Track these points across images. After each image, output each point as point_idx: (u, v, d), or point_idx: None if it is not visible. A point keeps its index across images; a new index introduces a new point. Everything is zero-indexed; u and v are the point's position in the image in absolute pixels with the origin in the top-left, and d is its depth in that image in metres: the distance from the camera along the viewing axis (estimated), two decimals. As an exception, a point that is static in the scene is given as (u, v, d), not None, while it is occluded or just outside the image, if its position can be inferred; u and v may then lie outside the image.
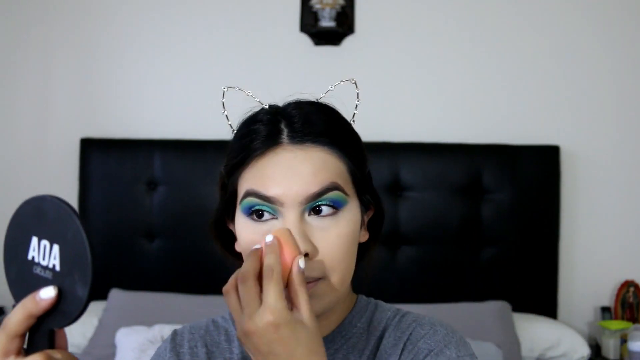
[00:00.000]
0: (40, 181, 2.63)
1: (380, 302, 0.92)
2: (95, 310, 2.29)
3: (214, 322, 0.93)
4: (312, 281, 0.77)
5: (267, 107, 0.84)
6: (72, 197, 2.55)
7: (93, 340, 2.14)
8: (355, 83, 0.88)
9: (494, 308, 2.21)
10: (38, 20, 2.63)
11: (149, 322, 2.09)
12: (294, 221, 0.77)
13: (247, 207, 0.79)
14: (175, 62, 2.61)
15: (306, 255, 0.76)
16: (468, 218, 2.42)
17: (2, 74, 2.65)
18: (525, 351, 2.14)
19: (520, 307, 2.33)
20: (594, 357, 2.30)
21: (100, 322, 2.19)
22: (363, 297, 0.91)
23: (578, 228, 2.52)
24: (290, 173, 0.78)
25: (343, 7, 2.53)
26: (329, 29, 2.53)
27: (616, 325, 2.34)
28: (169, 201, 2.47)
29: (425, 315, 0.90)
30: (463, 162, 2.44)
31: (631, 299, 2.45)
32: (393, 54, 2.56)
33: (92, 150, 2.51)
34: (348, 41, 2.57)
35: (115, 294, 2.26)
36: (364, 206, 0.84)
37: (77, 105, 2.63)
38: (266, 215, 0.79)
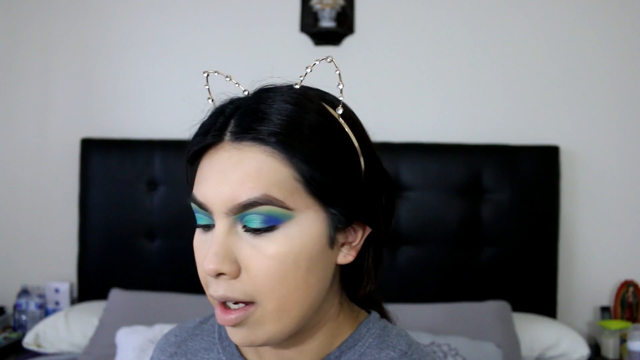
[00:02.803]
0: (40, 181, 2.64)
1: (388, 332, 0.78)
2: (95, 310, 2.30)
3: (201, 324, 0.86)
4: (239, 305, 0.68)
5: (246, 93, 0.74)
6: (72, 197, 2.56)
7: (93, 340, 2.14)
8: (333, 61, 0.72)
9: (494, 308, 2.21)
10: (38, 20, 2.63)
11: (149, 322, 2.10)
12: (220, 233, 0.67)
13: (194, 212, 0.71)
14: (175, 63, 2.61)
15: (221, 274, 0.67)
16: (468, 218, 2.42)
17: (2, 74, 2.65)
18: (525, 351, 2.14)
19: (520, 307, 2.33)
20: (593, 357, 2.30)
21: (101, 322, 2.19)
22: (369, 324, 0.77)
23: (578, 228, 2.53)
24: (220, 177, 0.67)
25: (343, 7, 2.53)
26: (329, 29, 2.53)
27: (616, 325, 2.34)
28: (169, 201, 2.47)
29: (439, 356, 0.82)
30: (463, 162, 2.44)
31: (631, 299, 2.46)
32: (393, 54, 2.56)
33: (92, 150, 2.51)
34: (348, 41, 2.57)
35: (115, 293, 2.27)
36: (338, 221, 0.70)
37: (77, 105, 2.64)
38: (209, 224, 0.70)
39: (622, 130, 2.53)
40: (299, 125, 0.68)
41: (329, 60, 0.72)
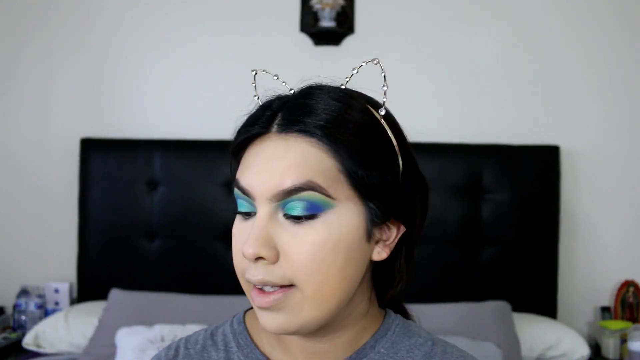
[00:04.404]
0: (40, 181, 2.64)
1: (408, 322, 0.83)
2: (95, 310, 2.30)
3: (212, 335, 0.83)
4: (278, 288, 0.69)
5: (292, 92, 0.76)
6: (72, 197, 2.56)
7: (93, 340, 2.14)
8: (379, 63, 0.76)
9: (494, 308, 2.21)
10: (38, 20, 2.63)
11: (149, 322, 2.09)
12: (261, 218, 0.69)
13: (236, 198, 0.73)
14: (175, 63, 2.61)
15: (260, 258, 0.68)
16: (468, 218, 2.42)
17: (2, 74, 2.65)
18: (525, 351, 2.14)
19: (520, 307, 2.33)
20: (593, 357, 2.30)
21: (101, 322, 2.19)
22: (391, 317, 0.81)
23: (578, 228, 2.52)
24: (266, 165, 0.70)
25: (343, 7, 2.53)
26: (329, 29, 2.53)
27: (616, 325, 2.34)
28: (169, 201, 2.47)
29: (456, 347, 0.82)
30: (463, 162, 2.44)
31: (631, 299, 2.46)
32: (393, 54, 2.56)
33: (92, 150, 2.51)
34: (348, 41, 2.57)
35: (115, 294, 2.26)
36: (375, 216, 0.72)
37: (77, 105, 2.63)
38: (250, 212, 0.72)
39: (622, 130, 2.53)
40: (344, 120, 0.71)
41: (375, 62, 0.76)
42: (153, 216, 2.47)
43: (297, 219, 0.69)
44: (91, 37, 2.62)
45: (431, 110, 2.57)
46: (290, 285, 0.69)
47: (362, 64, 0.75)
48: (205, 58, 2.60)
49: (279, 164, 0.69)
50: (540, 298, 2.42)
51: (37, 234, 2.64)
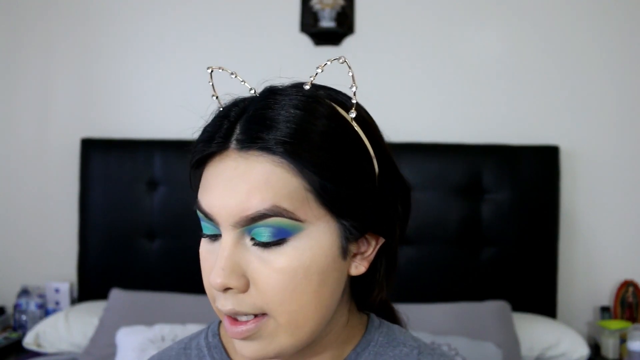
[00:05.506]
0: (40, 181, 2.64)
1: (393, 329, 0.79)
2: (95, 310, 2.30)
3: (185, 349, 0.79)
4: (249, 317, 0.66)
5: (253, 92, 0.71)
6: (72, 197, 2.56)
7: (93, 340, 2.14)
8: (346, 62, 0.69)
9: (493, 308, 2.21)
10: (38, 20, 2.63)
11: (149, 322, 2.10)
12: (227, 246, 0.65)
13: (200, 220, 0.69)
14: (175, 63, 2.61)
15: (229, 289, 0.65)
16: (468, 218, 2.42)
17: (2, 73, 2.65)
18: (524, 351, 2.15)
19: (520, 307, 2.33)
20: (593, 357, 2.30)
21: (101, 321, 2.20)
22: (374, 324, 0.78)
23: (577, 228, 2.53)
24: (226, 188, 0.64)
25: (343, 7, 2.54)
26: (329, 29, 2.53)
27: (615, 325, 2.34)
28: (169, 201, 2.47)
29: (445, 354, 0.78)
30: (463, 162, 2.44)
31: (630, 299, 2.46)
32: (393, 54, 2.56)
33: (93, 150, 2.51)
34: (348, 41, 2.57)
35: (115, 293, 2.27)
36: (349, 232, 0.67)
37: (78, 105, 2.64)
38: (216, 234, 0.68)
39: (622, 130, 2.54)
40: (309, 132, 0.64)
41: (341, 61, 0.69)
42: (153, 216, 2.48)
43: (265, 245, 0.64)
44: (91, 37, 2.62)
45: (431, 110, 2.57)
46: (264, 314, 0.66)
47: (327, 62, 0.69)
48: (205, 58, 2.60)
49: (241, 187, 0.64)
50: (540, 298, 2.42)
51: (37, 234, 2.64)
